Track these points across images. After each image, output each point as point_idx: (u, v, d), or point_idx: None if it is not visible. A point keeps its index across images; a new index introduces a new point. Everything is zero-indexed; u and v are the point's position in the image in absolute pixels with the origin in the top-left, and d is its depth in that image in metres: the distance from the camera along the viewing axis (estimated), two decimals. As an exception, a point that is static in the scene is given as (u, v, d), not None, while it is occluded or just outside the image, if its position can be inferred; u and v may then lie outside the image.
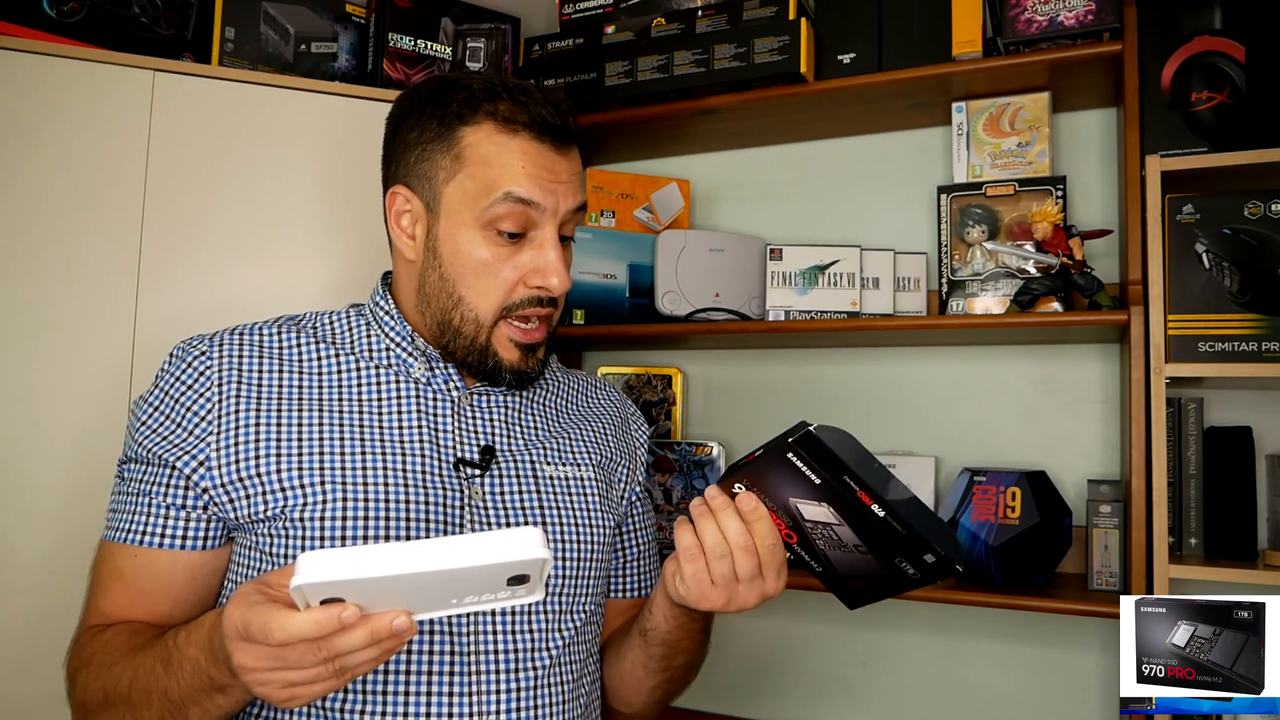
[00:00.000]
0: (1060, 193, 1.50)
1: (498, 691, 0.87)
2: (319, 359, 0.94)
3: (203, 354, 0.91)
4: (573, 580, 0.95)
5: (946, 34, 1.51)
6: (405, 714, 0.84)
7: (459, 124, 0.91)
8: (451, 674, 0.86)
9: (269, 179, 1.49)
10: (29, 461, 1.35)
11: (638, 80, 1.69)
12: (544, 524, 0.94)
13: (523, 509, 0.93)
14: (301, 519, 0.85)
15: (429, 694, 0.85)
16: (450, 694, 0.85)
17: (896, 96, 1.61)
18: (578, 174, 0.95)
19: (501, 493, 0.93)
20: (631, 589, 1.09)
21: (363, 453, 0.88)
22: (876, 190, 1.79)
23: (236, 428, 0.87)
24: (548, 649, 0.91)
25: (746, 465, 0.81)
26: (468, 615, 0.87)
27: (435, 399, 0.94)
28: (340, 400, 0.91)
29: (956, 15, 1.50)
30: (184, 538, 0.87)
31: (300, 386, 0.91)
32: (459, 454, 0.92)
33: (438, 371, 0.95)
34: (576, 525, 0.96)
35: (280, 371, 0.92)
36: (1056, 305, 1.46)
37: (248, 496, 0.86)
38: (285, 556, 0.85)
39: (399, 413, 0.92)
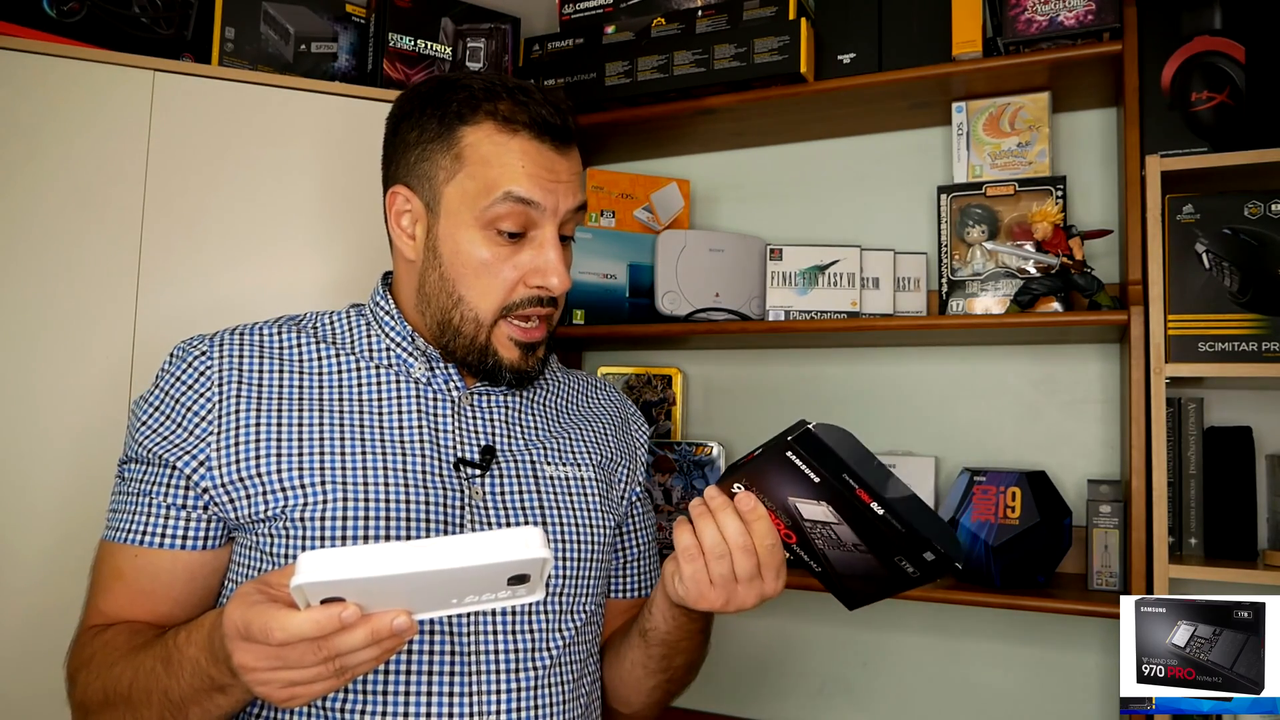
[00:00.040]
0: (1060, 193, 1.50)
1: (498, 691, 0.87)
2: (319, 359, 0.94)
3: (203, 354, 0.91)
4: (573, 580, 0.95)
5: (946, 34, 1.51)
6: (405, 714, 0.84)
7: (459, 124, 0.91)
8: (452, 674, 0.86)
9: (269, 179, 1.49)
10: (29, 461, 1.35)
11: (638, 80, 1.69)
12: (544, 524, 0.94)
13: (523, 509, 0.93)
14: (302, 519, 0.85)
15: (429, 694, 0.85)
16: (450, 694, 0.85)
17: (896, 96, 1.61)
18: (578, 174, 0.95)
19: (502, 493, 0.93)
20: (631, 589, 1.09)
21: (363, 453, 0.88)
22: (876, 190, 1.79)
23: (237, 428, 0.87)
24: (548, 649, 0.91)
25: (746, 465, 0.81)
26: (468, 615, 0.87)
27: (435, 399, 0.94)
28: (340, 400, 0.91)
29: (956, 15, 1.50)
30: (184, 538, 0.87)
31: (300, 386, 0.91)
32: (459, 454, 0.92)
33: (438, 371, 0.95)
34: (577, 525, 0.96)
35: (281, 371, 0.92)
36: (1056, 305, 1.46)
37: (248, 496, 0.86)
38: (285, 556, 0.85)
39: (399, 412, 0.92)
